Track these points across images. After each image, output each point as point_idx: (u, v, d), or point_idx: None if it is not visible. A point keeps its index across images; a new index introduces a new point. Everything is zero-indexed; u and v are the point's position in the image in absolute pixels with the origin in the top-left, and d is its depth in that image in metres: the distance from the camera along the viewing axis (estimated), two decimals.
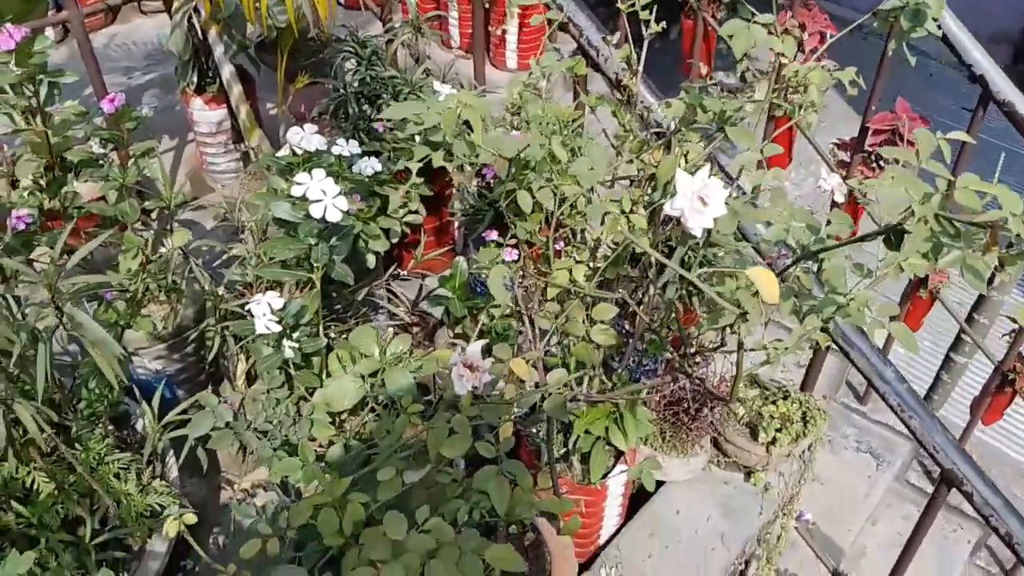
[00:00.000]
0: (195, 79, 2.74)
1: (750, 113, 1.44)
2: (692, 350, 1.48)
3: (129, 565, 1.75)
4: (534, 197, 1.51)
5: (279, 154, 1.74)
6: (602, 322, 1.35)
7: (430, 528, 1.01)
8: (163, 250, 1.79)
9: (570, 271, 1.37)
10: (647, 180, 1.50)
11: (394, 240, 2.17)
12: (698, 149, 1.45)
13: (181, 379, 2.22)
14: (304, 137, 1.68)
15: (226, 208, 2.45)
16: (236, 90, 2.30)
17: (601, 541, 2.10)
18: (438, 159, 1.61)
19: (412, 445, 1.27)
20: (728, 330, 1.52)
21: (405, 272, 2.22)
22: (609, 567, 2.02)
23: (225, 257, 2.23)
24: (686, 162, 1.46)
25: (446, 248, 2.44)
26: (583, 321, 1.35)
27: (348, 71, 2.37)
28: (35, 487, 1.70)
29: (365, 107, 2.41)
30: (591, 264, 1.43)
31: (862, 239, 1.12)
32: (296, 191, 1.52)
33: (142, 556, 1.77)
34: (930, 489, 2.88)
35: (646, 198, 1.47)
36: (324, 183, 1.53)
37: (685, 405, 2.07)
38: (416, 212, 2.27)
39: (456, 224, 2.62)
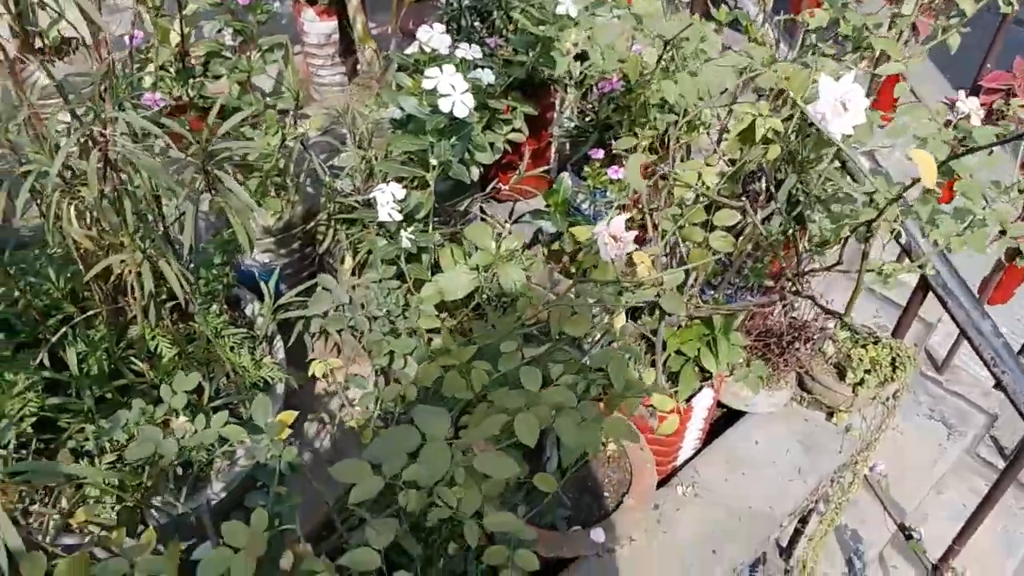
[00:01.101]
0: None
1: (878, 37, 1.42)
2: (806, 268, 1.49)
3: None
4: (662, 103, 1.53)
5: (408, 51, 1.79)
6: (723, 229, 1.37)
7: (559, 387, 1.06)
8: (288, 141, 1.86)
9: (699, 173, 1.39)
10: (775, 95, 1.49)
11: (496, 157, 2.21)
12: (831, 64, 1.44)
13: (286, 273, 2.33)
14: (433, 36, 1.72)
15: (331, 118, 2.52)
16: (354, 0, 2.35)
17: (678, 462, 2.15)
18: (563, 64, 1.63)
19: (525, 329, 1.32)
20: (843, 248, 1.53)
21: (506, 187, 2.26)
22: (686, 486, 2.07)
23: (331, 163, 2.30)
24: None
25: (544, 169, 2.46)
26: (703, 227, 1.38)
27: None
28: (158, 350, 1.82)
29: (476, 22, 2.43)
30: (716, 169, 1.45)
31: (1004, 141, 1.11)
32: (427, 84, 1.57)
33: None
34: (1001, 464, 2.84)
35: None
36: (454, 78, 1.57)
37: (776, 338, 2.08)
38: (519, 131, 2.31)
39: (553, 148, 2.65)
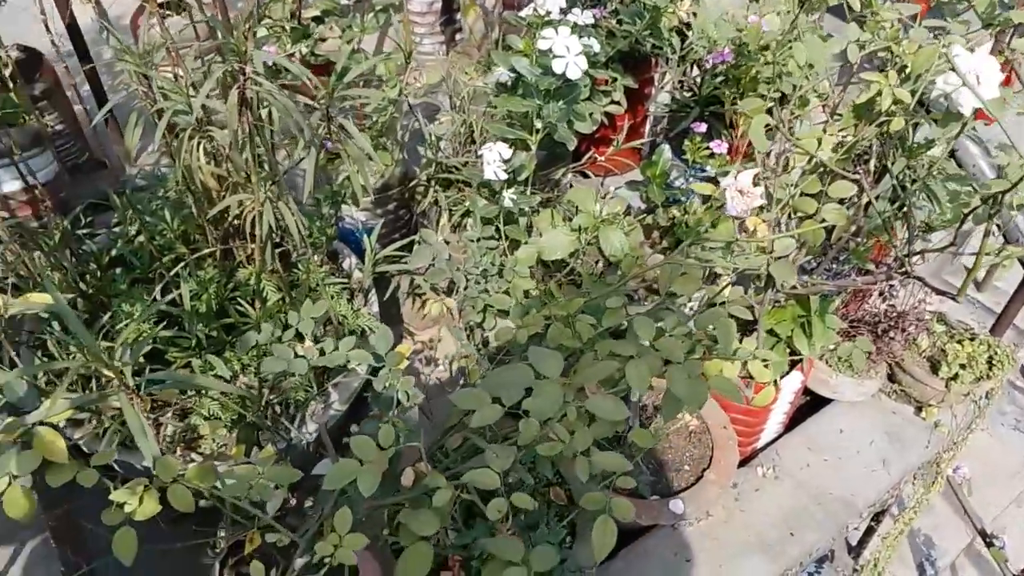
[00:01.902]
0: None
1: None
2: (916, 249, 1.46)
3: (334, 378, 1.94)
4: (773, 77, 1.51)
5: (522, 14, 1.81)
6: (839, 201, 1.36)
7: (672, 338, 1.08)
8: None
9: (819, 140, 1.37)
10: (897, 69, 1.46)
11: (593, 127, 2.22)
12: (960, 40, 1.40)
13: (380, 233, 2.39)
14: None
15: (429, 87, 2.56)
16: None
17: (760, 444, 2.14)
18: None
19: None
20: (958, 230, 1.49)
21: (602, 158, 2.26)
22: (766, 467, 2.06)
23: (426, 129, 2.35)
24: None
25: (639, 143, 2.46)
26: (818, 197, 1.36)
27: None
28: (264, 293, 1.90)
29: None
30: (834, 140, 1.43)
31: None
32: (542, 45, 1.59)
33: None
34: None
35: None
36: (569, 40, 1.59)
37: (871, 326, 2.04)
38: (617, 103, 2.31)
39: (649, 123, 2.64)
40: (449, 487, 0.92)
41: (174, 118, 1.47)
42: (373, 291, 2.12)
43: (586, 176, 2.71)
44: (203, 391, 1.78)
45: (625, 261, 1.36)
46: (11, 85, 2.12)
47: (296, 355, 1.26)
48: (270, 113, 1.39)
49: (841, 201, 1.56)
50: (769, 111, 1.65)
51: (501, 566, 0.86)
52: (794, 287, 1.56)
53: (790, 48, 1.38)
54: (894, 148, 1.61)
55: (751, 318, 1.34)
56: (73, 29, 2.33)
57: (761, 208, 1.21)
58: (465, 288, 1.77)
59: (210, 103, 1.29)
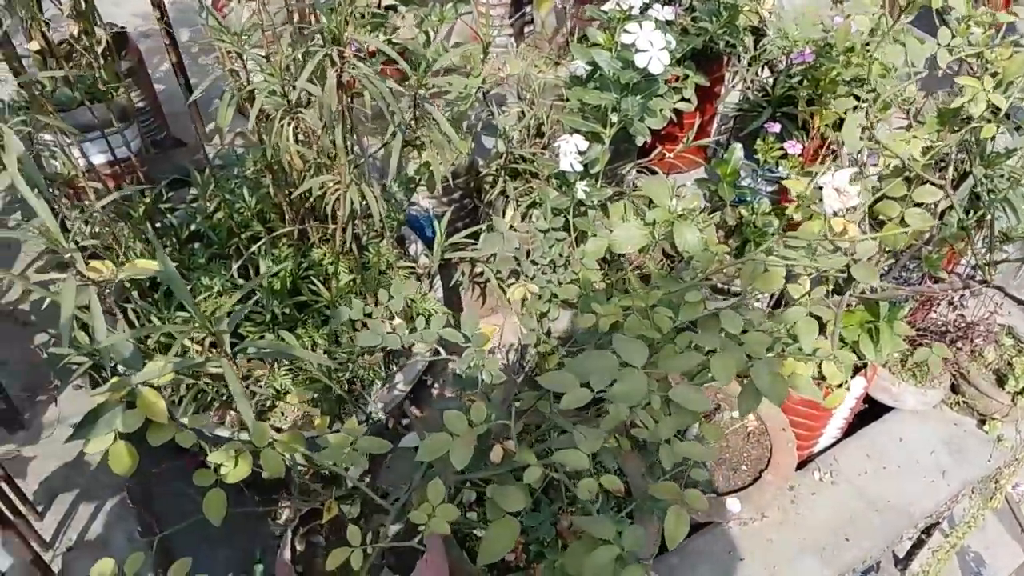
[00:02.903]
0: None
1: None
2: (996, 260, 1.44)
3: (398, 360, 1.98)
4: (853, 80, 1.51)
5: (604, 8, 1.82)
6: (921, 206, 1.35)
7: (758, 333, 1.09)
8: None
9: (908, 143, 1.37)
10: (988, 75, 1.45)
11: (663, 124, 2.23)
12: None
13: (446, 220, 2.43)
14: None
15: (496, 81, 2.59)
16: None
17: (817, 448, 2.13)
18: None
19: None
20: None
21: (671, 154, 2.26)
22: (823, 472, 2.05)
23: (492, 122, 2.38)
24: None
25: (708, 141, 2.45)
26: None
27: None
28: (336, 274, 1.95)
29: None
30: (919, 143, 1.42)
31: None
32: (626, 39, 1.60)
33: (409, 354, 1.99)
34: None
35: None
36: (652, 34, 1.60)
37: (938, 336, 2.02)
38: (688, 100, 2.31)
39: (717, 121, 2.63)
40: (539, 465, 0.94)
41: (265, 100, 1.51)
42: (438, 277, 2.16)
43: (652, 172, 2.72)
44: (277, 363, 1.84)
45: (703, 256, 1.37)
46: (102, 62, 2.20)
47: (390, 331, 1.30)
48: (360, 96, 1.43)
49: (919, 206, 1.55)
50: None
51: (590, 546, 0.88)
52: (863, 292, 1.55)
53: (880, 50, 1.37)
54: (975, 156, 1.59)
55: (828, 319, 1.34)
56: (159, 8, 2.40)
57: (848, 209, 1.21)
58: (532, 277, 1.79)
59: (307, 85, 1.33)
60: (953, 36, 1.46)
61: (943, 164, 1.74)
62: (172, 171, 2.56)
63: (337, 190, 1.56)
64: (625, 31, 1.61)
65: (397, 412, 1.97)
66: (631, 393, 1.00)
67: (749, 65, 2.30)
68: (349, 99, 1.40)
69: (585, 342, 1.47)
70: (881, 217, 1.41)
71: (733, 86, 2.39)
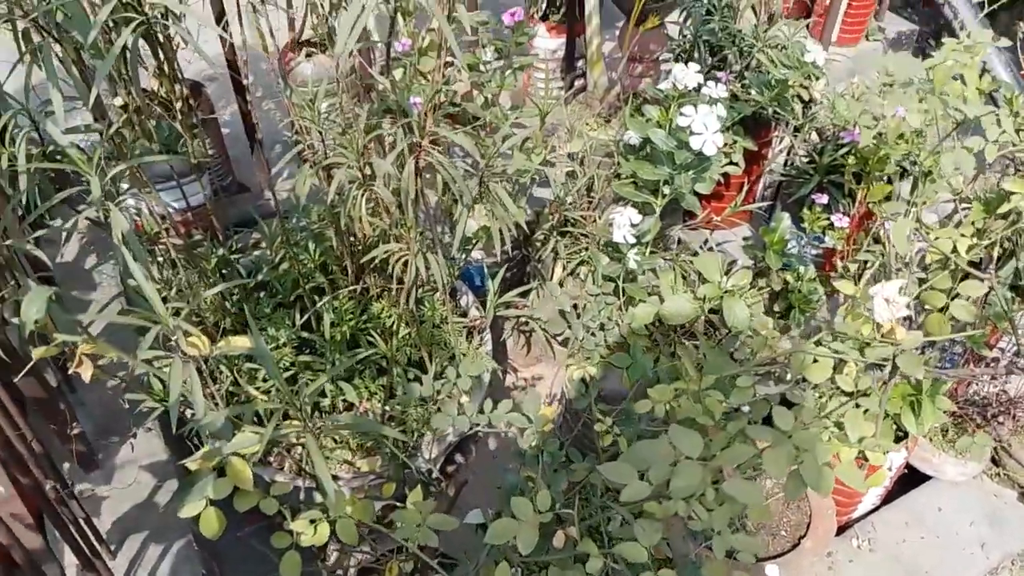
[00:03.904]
0: (543, 6, 2.98)
1: None
2: None
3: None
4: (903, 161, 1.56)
5: (662, 86, 1.90)
6: (966, 298, 1.40)
7: (809, 431, 1.15)
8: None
9: (955, 241, 1.42)
10: None
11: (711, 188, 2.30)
12: None
13: (493, 272, 2.51)
14: (687, 74, 1.82)
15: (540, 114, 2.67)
16: (595, 22, 2.49)
17: (856, 514, 2.15)
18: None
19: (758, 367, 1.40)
20: None
21: (719, 218, 2.33)
22: (862, 539, 2.08)
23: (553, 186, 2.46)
24: None
25: (753, 207, 2.51)
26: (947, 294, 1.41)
27: (699, 19, 2.48)
28: (394, 327, 2.04)
29: (708, 55, 2.52)
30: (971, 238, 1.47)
31: None
32: (682, 121, 1.68)
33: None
34: None
35: None
36: (708, 118, 1.67)
37: (980, 408, 2.04)
38: (736, 164, 2.37)
39: (762, 184, 2.69)
40: (600, 556, 1.01)
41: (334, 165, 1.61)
42: (488, 330, 2.24)
43: (693, 229, 2.78)
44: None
45: (756, 341, 1.43)
46: (179, 116, 2.33)
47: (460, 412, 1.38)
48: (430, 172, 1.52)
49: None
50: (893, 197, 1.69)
51: None
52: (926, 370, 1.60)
53: (930, 158, 1.41)
54: (1021, 247, 1.63)
55: (872, 406, 1.39)
56: (231, 63, 2.53)
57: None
58: (581, 340, 1.86)
59: (384, 165, 1.43)
60: (1002, 131, 1.51)
61: (989, 254, 1.78)
62: (236, 216, 2.69)
63: (403, 257, 1.65)
64: (681, 114, 1.68)
65: (444, 459, 2.05)
66: (688, 487, 1.06)
67: (796, 132, 2.36)
68: (421, 177, 1.49)
69: (632, 411, 1.53)
70: (927, 306, 1.45)
71: (780, 151, 2.45)
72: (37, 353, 1.03)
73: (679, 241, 2.60)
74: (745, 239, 2.75)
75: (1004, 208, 1.34)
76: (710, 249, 2.64)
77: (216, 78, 3.45)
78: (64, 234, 2.49)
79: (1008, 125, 1.53)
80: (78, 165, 1.21)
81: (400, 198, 1.46)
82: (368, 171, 1.59)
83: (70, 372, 1.06)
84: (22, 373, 1.37)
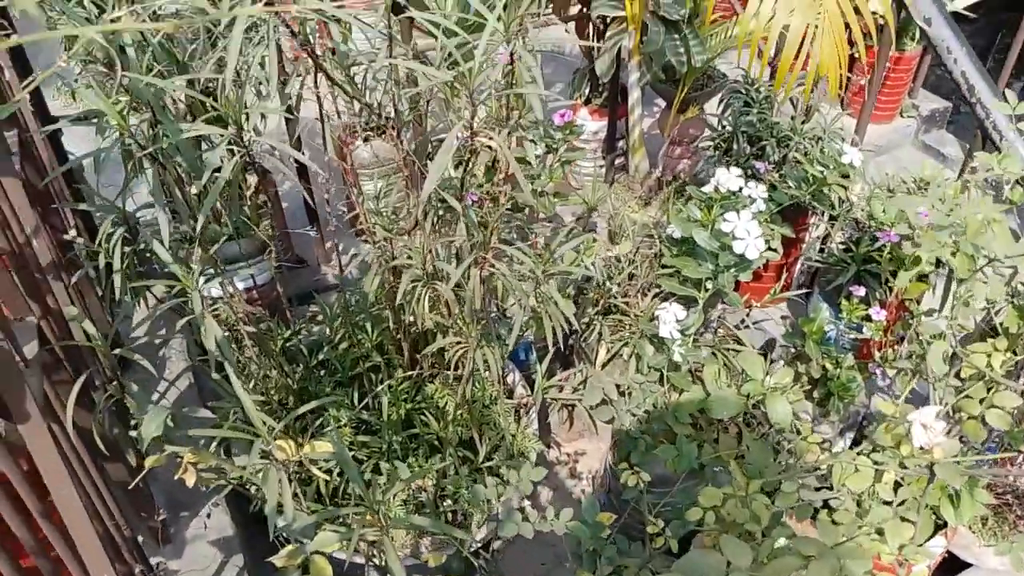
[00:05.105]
0: (586, 91, 3.13)
1: None
2: None
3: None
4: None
5: (705, 189, 2.01)
6: (1001, 407, 1.47)
7: (850, 545, 1.22)
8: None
9: (989, 356, 1.50)
10: None
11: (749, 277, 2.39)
12: None
13: (540, 350, 2.61)
14: (730, 178, 1.93)
15: (586, 208, 2.80)
16: (637, 112, 2.62)
17: None
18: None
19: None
20: None
21: (759, 304, 2.42)
22: None
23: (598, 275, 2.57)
24: None
25: (791, 294, 2.59)
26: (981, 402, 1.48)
27: (738, 111, 2.60)
28: (446, 407, 2.14)
29: (745, 146, 2.63)
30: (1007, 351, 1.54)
31: None
32: (725, 227, 1.78)
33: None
34: None
35: None
36: (750, 224, 1.77)
37: (1019, 499, 2.08)
38: (774, 250, 2.46)
39: (797, 269, 2.77)
40: None
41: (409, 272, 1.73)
42: (534, 409, 2.33)
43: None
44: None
45: (799, 446, 1.51)
46: (248, 202, 2.49)
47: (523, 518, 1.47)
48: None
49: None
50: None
51: None
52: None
53: (964, 240, 1.48)
54: None
55: (915, 517, 1.45)
56: (296, 147, 2.69)
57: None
58: (628, 428, 1.94)
59: (455, 274, 1.54)
60: None
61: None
62: (295, 289, 2.84)
63: (461, 350, 1.76)
64: (724, 219, 1.79)
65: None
66: None
67: (832, 221, 2.45)
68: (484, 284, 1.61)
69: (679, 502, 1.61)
70: (963, 413, 1.52)
71: (816, 238, 2.54)
72: (150, 462, 1.15)
73: (719, 319, 2.69)
74: (783, 318, 2.83)
75: None
76: (746, 327, 2.73)
77: (274, 153, 3.65)
78: (134, 307, 2.65)
79: None
80: (183, 282, 1.34)
81: (462, 302, 1.57)
82: (431, 269, 1.71)
83: (176, 478, 1.17)
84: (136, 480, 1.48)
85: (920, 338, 1.70)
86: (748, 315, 2.77)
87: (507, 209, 2.19)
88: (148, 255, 1.93)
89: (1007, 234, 1.42)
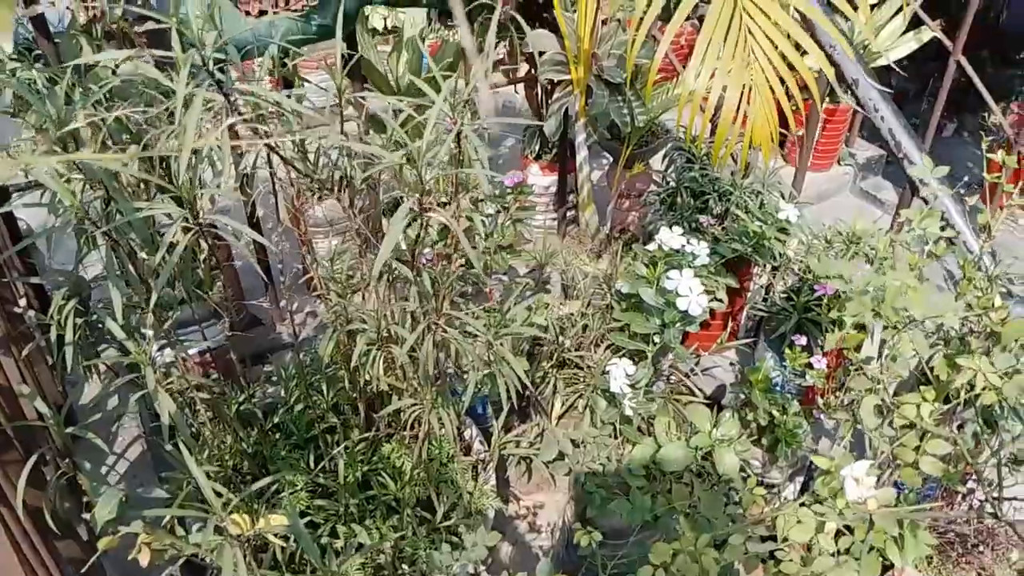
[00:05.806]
0: (537, 147, 3.22)
1: None
2: (1005, 496, 1.61)
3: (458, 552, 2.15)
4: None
5: (649, 247, 2.09)
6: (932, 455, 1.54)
7: None
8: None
9: (918, 406, 1.57)
10: (987, 335, 1.66)
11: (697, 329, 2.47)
12: None
13: (495, 405, 2.64)
14: (672, 236, 2.01)
15: (538, 260, 2.87)
16: (586, 170, 2.72)
17: None
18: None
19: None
20: None
21: (708, 352, 2.49)
22: None
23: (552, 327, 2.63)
24: None
25: (737, 344, 2.68)
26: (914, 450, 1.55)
27: (681, 167, 2.71)
28: (402, 468, 2.15)
29: (689, 200, 2.73)
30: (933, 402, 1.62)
31: None
32: (668, 284, 1.85)
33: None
34: None
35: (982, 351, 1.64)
36: (692, 282, 1.85)
37: (960, 538, 2.16)
38: (720, 300, 2.55)
39: (743, 317, 2.87)
40: None
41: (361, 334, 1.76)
42: (491, 465, 2.36)
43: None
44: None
45: (744, 498, 1.56)
46: (201, 266, 2.50)
47: None
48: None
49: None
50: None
51: None
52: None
53: (898, 298, 1.55)
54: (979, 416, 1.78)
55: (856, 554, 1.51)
56: (251, 216, 2.72)
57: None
58: (584, 482, 1.98)
59: (408, 339, 1.58)
60: (956, 296, 1.69)
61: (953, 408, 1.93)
62: (251, 349, 2.83)
63: (417, 410, 1.79)
64: (668, 277, 1.86)
65: None
66: None
67: (774, 272, 2.55)
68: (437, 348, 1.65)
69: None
70: (898, 461, 1.60)
71: (759, 287, 2.63)
72: (103, 543, 1.14)
73: (671, 367, 2.75)
74: (732, 364, 2.91)
75: (960, 380, 1.50)
76: (695, 375, 2.79)
77: (226, 211, 3.66)
78: (87, 379, 2.62)
79: (961, 304, 1.69)
80: (138, 358, 1.35)
81: (416, 365, 1.60)
82: (385, 333, 1.75)
83: (129, 559, 1.17)
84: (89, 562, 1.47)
85: (853, 391, 1.78)
86: (697, 363, 2.85)
87: (461, 265, 2.24)
88: (100, 325, 1.93)
89: (923, 298, 1.52)
